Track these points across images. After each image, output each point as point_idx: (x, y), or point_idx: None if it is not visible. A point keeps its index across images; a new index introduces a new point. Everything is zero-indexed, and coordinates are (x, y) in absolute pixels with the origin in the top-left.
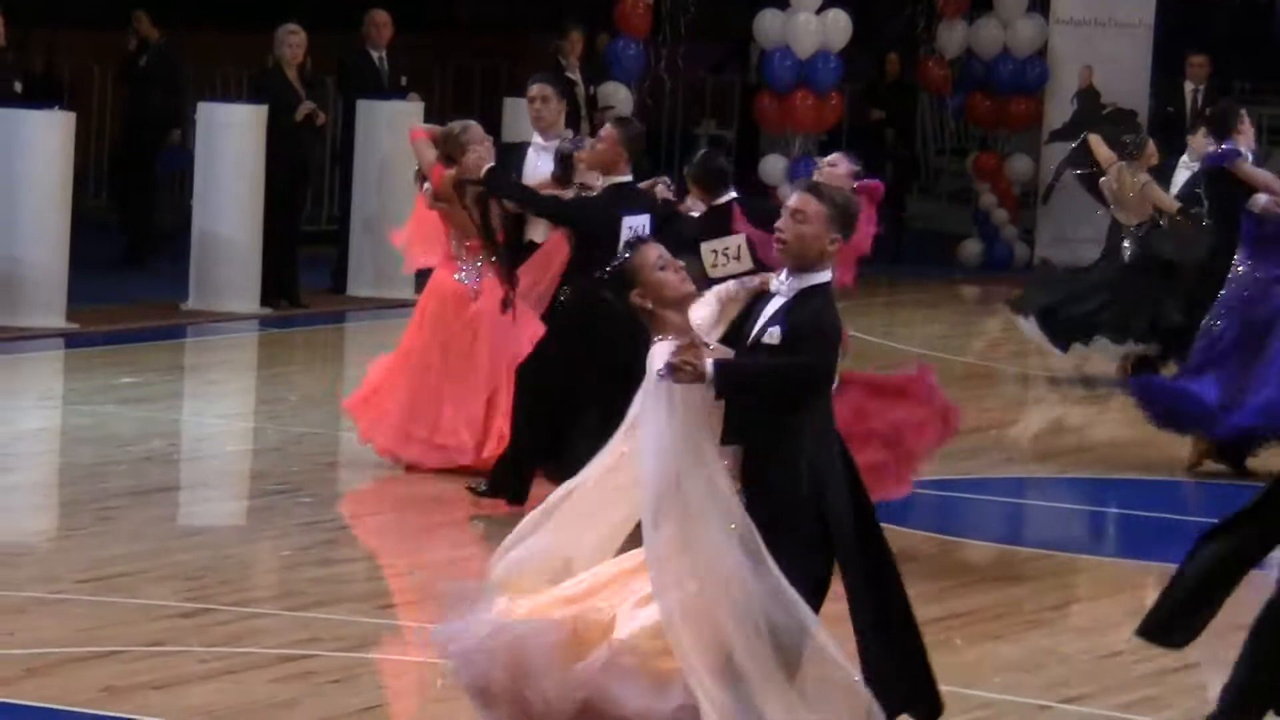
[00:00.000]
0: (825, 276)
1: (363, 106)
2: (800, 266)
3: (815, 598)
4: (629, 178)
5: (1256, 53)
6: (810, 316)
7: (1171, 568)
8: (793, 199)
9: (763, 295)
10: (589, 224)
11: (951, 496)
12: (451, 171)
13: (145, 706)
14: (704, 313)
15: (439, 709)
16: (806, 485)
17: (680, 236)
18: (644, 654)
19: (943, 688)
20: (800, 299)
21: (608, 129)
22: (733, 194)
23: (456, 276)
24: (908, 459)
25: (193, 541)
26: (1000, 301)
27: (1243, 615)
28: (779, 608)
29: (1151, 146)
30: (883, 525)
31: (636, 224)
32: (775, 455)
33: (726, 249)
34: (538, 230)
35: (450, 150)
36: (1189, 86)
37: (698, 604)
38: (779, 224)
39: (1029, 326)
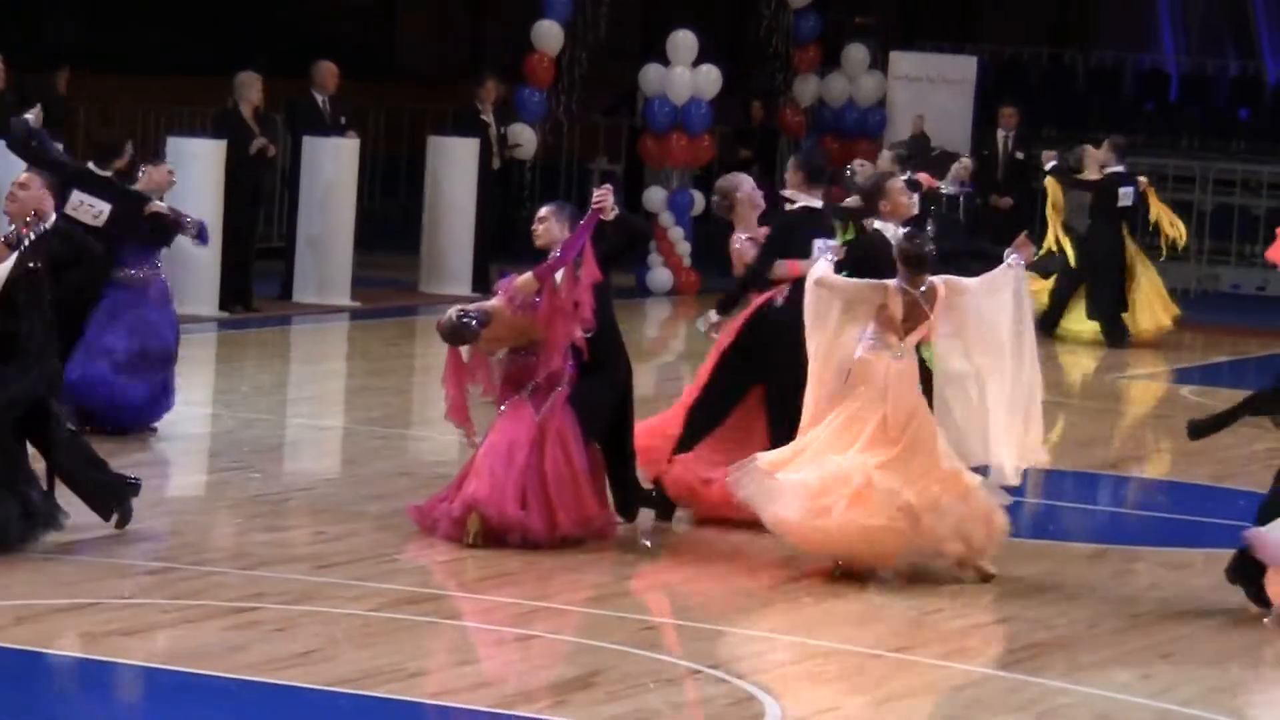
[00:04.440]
0: None
1: (308, 142)
2: None
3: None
4: None
5: (1062, 105)
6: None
7: None
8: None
9: None
10: None
11: None
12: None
13: (117, 650)
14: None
15: (365, 653)
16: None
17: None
18: None
19: (790, 637)
20: None
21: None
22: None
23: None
24: None
25: (159, 510)
26: None
27: (1046, 580)
28: None
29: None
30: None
31: None
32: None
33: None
34: None
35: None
36: (1001, 133)
37: None
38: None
39: None
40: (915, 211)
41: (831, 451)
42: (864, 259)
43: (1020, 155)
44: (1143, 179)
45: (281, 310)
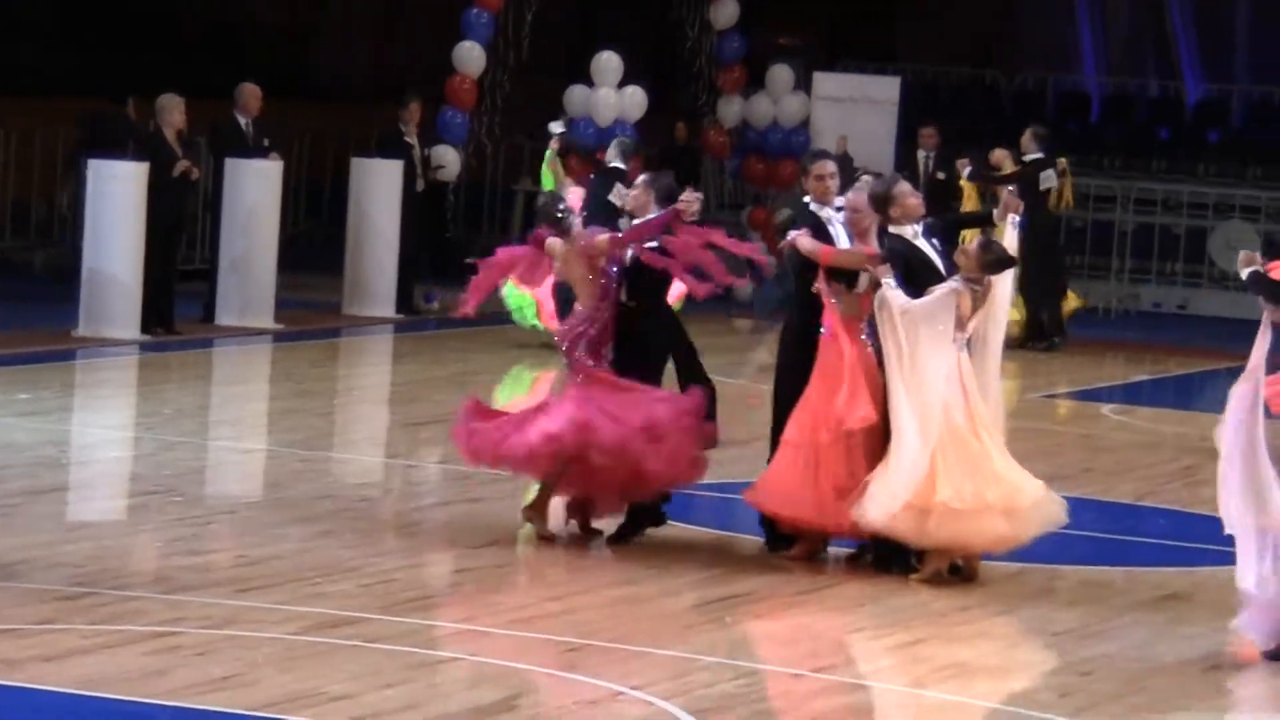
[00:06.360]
0: None
1: (230, 164)
2: None
3: None
4: None
5: (984, 125)
6: None
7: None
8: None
9: None
10: None
11: (727, 498)
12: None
13: (36, 676)
14: None
15: (287, 677)
16: None
17: None
18: None
19: (712, 658)
20: None
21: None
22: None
23: None
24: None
25: (79, 534)
26: (768, 334)
27: (967, 599)
28: None
29: None
30: (669, 521)
31: None
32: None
33: None
34: None
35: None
36: (921, 154)
37: None
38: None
39: None
40: (924, 211)
41: (967, 453)
42: (909, 268)
43: (941, 175)
44: (1062, 160)
45: (204, 333)
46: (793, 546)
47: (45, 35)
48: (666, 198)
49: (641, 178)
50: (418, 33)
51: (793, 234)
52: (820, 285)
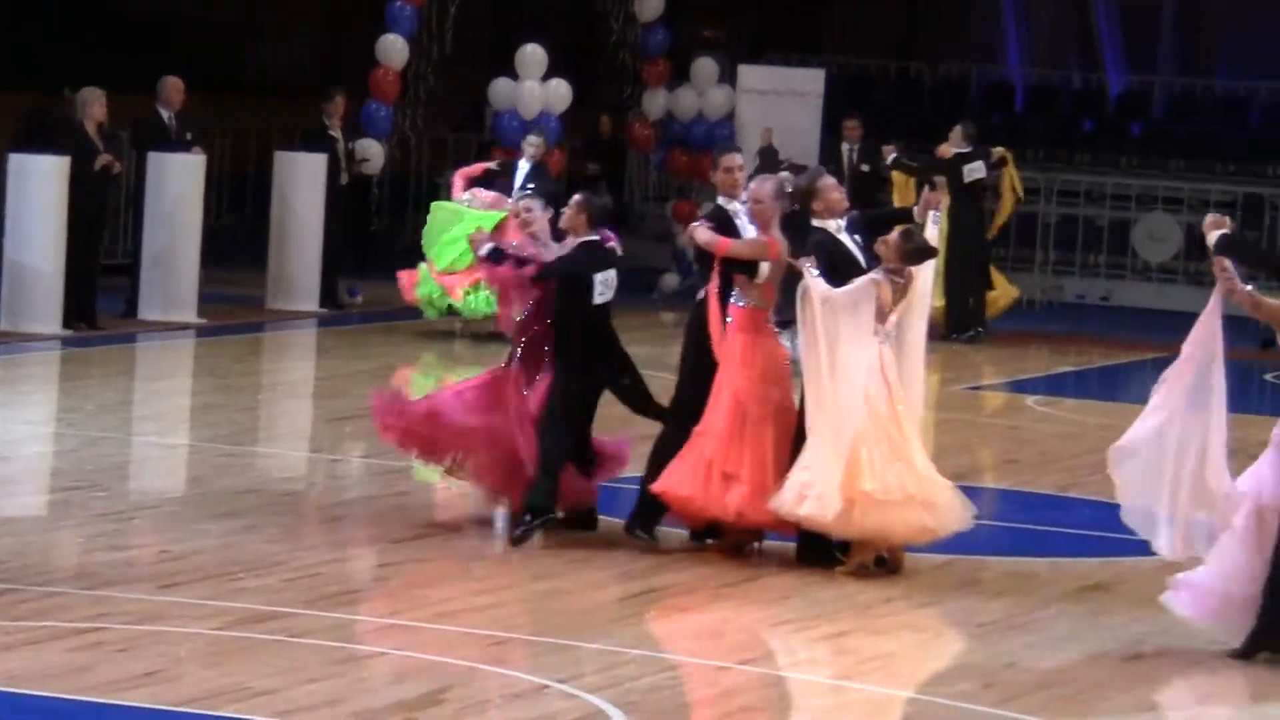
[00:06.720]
0: None
1: (153, 158)
2: None
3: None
4: None
5: (908, 117)
6: None
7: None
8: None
9: None
10: None
11: None
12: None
13: None
14: None
15: (211, 673)
16: None
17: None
18: None
19: (638, 651)
20: None
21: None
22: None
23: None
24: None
25: (1, 530)
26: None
27: (892, 591)
28: None
29: None
30: (598, 516)
31: None
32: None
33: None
34: None
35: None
36: (845, 146)
37: None
38: None
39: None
40: (847, 205)
41: (890, 445)
42: (831, 261)
43: (865, 168)
44: (999, 149)
45: (127, 328)
46: (702, 535)
47: None
48: (601, 219)
49: (576, 198)
50: (346, 26)
51: (692, 225)
52: (711, 285)
